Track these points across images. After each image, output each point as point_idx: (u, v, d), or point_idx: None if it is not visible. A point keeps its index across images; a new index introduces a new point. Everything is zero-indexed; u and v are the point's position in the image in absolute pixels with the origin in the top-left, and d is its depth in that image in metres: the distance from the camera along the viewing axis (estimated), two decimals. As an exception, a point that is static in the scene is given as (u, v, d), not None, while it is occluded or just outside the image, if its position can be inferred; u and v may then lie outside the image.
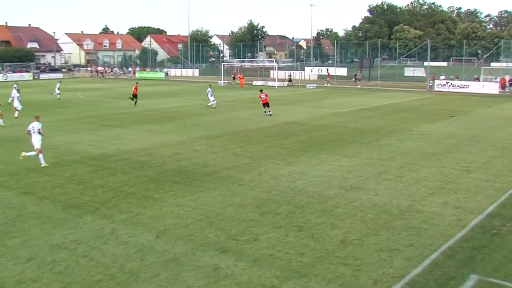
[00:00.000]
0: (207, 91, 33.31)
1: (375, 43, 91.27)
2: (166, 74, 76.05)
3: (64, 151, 18.45)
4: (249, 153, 18.08)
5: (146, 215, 11.16)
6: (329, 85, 57.80)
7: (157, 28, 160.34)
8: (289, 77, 59.81)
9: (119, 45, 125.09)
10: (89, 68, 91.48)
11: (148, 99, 39.70)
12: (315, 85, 56.20)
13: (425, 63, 73.77)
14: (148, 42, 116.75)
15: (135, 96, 35.05)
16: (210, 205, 11.85)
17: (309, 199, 12.34)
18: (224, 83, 59.95)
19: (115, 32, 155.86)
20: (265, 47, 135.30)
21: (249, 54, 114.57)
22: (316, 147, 19.08)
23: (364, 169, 15.43)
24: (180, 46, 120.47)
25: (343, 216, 11.04)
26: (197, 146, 19.53)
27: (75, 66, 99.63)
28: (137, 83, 38.58)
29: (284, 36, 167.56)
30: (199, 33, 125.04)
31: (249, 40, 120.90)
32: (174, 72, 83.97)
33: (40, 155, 15.95)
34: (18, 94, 29.44)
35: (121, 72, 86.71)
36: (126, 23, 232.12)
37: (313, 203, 11.98)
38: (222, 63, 66.91)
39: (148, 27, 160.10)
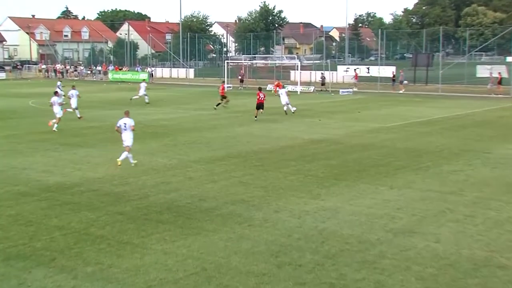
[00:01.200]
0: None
1: (435, 32, 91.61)
2: (150, 75, 76.88)
3: (8, 179, 18.56)
4: (262, 182, 18.12)
5: (122, 267, 11.18)
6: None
7: (138, 13, 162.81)
8: (322, 79, 60.20)
9: (85, 34, 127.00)
10: (43, 66, 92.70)
11: (125, 109, 39.91)
12: (351, 90, 56.36)
13: (508, 59, 73.44)
14: (125, 31, 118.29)
15: (223, 97, 39.57)
16: (209, 253, 11.85)
17: (343, 245, 12.31)
18: (228, 87, 60.30)
19: (80, 17, 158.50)
20: (283, 39, 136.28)
21: (262, 49, 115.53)
22: (353, 175, 19.08)
23: (419, 206, 15.36)
24: (168, 37, 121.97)
25: (391, 271, 10.98)
26: (192, 172, 19.60)
27: (24, 62, 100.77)
28: (223, 82, 41.90)
29: (310, 23, 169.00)
30: (194, 20, 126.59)
31: (262, 29, 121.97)
32: (161, 72, 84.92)
33: (130, 155, 20.01)
34: (77, 92, 35.67)
35: (89, 71, 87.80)
36: (94, 5, 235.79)
37: (350, 252, 11.95)
38: (226, 61, 67.55)
39: (125, 11, 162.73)
